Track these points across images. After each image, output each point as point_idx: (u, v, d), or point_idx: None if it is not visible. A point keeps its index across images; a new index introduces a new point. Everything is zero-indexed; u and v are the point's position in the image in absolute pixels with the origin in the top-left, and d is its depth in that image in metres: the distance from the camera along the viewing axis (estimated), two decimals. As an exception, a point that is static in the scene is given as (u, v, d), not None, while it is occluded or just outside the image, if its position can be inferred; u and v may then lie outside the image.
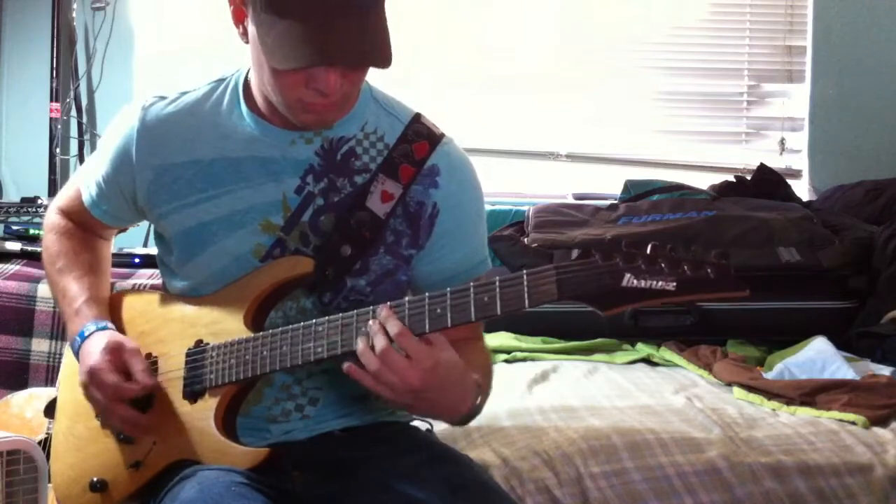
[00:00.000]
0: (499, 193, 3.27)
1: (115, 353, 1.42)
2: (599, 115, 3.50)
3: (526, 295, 1.17)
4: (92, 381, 1.41)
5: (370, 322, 1.26)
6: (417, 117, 1.50)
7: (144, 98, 1.52)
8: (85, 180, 1.58)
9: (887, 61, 3.40)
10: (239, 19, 1.35)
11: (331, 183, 1.43)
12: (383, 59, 1.28)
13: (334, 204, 1.43)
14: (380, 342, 1.23)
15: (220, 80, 1.51)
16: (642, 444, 1.71)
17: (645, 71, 3.52)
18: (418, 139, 1.46)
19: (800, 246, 2.63)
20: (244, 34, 1.36)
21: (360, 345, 1.25)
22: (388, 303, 1.27)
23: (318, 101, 1.33)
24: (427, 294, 1.25)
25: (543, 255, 2.63)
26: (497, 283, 1.20)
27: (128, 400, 1.40)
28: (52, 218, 1.64)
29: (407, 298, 1.26)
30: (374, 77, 1.49)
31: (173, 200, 1.47)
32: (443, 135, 1.49)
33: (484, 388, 1.37)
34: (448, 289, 1.23)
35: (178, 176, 1.46)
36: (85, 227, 1.62)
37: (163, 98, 1.50)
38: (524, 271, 1.18)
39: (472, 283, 1.22)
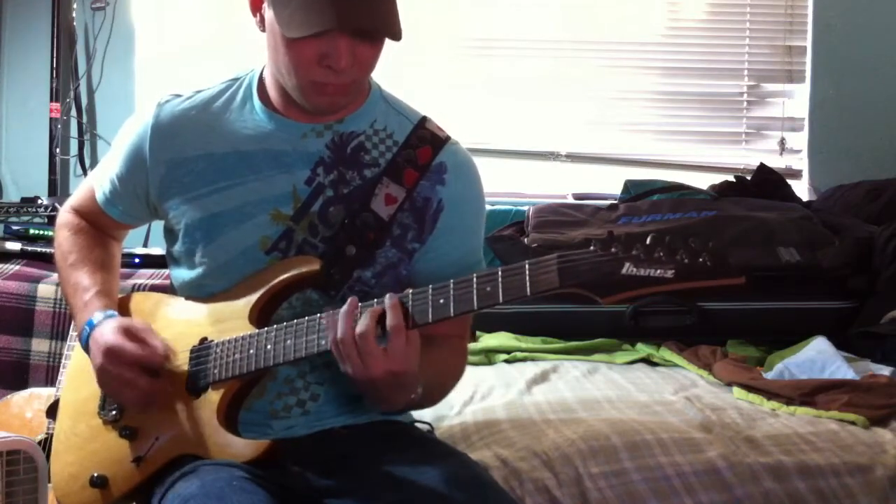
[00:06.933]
0: (499, 193, 3.27)
1: (128, 331, 1.44)
2: (599, 116, 3.50)
3: (528, 283, 1.20)
4: (111, 358, 1.42)
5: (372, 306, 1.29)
6: (424, 121, 1.54)
7: (159, 96, 1.55)
8: (99, 179, 1.61)
9: (887, 61, 3.40)
10: (256, 7, 1.41)
11: (340, 175, 1.47)
12: (395, 32, 1.34)
13: (343, 196, 1.46)
14: (364, 324, 1.26)
15: (235, 79, 1.55)
16: (642, 445, 1.71)
17: (645, 71, 3.52)
18: (422, 144, 1.50)
19: (800, 246, 2.62)
20: (261, 21, 1.42)
21: (347, 306, 1.29)
22: (394, 294, 1.29)
23: (331, 81, 1.37)
24: (430, 286, 1.27)
25: (544, 255, 2.63)
26: (499, 273, 1.22)
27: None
28: (64, 216, 1.66)
29: (410, 290, 1.29)
30: (378, 78, 1.51)
31: (185, 192, 1.49)
32: (448, 137, 1.53)
33: (434, 395, 1.44)
34: (451, 280, 1.26)
35: (191, 169, 1.49)
36: (97, 225, 1.65)
37: (178, 96, 1.54)
38: (526, 261, 1.21)
39: (474, 274, 1.25)
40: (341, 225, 1.45)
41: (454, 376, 1.52)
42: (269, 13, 1.37)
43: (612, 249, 1.15)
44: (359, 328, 1.27)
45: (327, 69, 1.35)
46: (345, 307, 1.29)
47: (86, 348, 1.48)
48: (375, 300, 1.30)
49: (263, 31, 1.41)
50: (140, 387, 1.41)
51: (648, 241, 1.15)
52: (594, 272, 1.16)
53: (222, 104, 1.52)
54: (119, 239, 1.69)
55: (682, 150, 3.52)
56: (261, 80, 1.51)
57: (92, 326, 1.47)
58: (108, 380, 1.43)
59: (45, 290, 2.55)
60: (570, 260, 1.18)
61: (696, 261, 1.13)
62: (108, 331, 1.44)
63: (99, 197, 1.60)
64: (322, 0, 1.29)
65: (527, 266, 1.20)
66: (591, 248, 1.17)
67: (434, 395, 1.49)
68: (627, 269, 1.14)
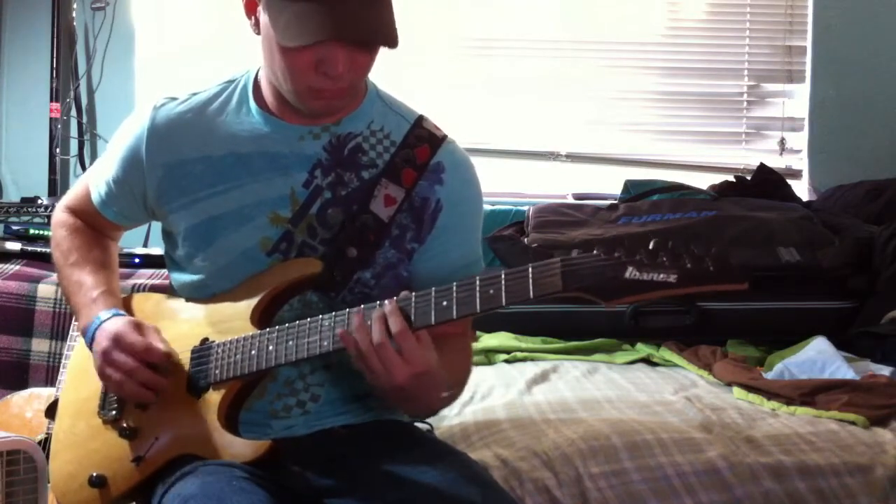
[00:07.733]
0: (499, 193, 3.27)
1: (137, 326, 1.45)
2: (599, 116, 3.50)
3: (531, 286, 1.19)
4: (116, 346, 1.42)
5: (375, 310, 1.29)
6: (421, 120, 1.54)
7: (156, 98, 1.54)
8: (94, 181, 1.61)
9: (887, 61, 3.40)
10: (251, 10, 1.40)
11: (338, 177, 1.46)
12: (391, 39, 1.34)
13: (342, 197, 1.46)
14: (377, 334, 1.26)
15: (230, 81, 1.55)
16: (642, 445, 1.71)
17: (645, 71, 3.52)
18: (420, 143, 1.50)
19: (800, 246, 2.63)
20: (256, 25, 1.41)
21: (356, 321, 1.28)
22: (395, 297, 1.29)
23: (327, 86, 1.36)
24: (433, 288, 1.27)
25: (544, 255, 2.62)
26: (502, 276, 1.22)
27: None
28: (60, 216, 1.66)
29: (413, 293, 1.29)
30: (378, 78, 1.51)
31: (183, 196, 1.49)
32: (445, 136, 1.53)
33: (454, 394, 1.42)
34: (454, 282, 1.25)
35: (188, 172, 1.49)
36: (93, 225, 1.65)
37: (174, 99, 1.54)
38: (529, 264, 1.20)
39: (477, 277, 1.24)
40: (340, 227, 1.45)
41: (462, 375, 1.50)
42: (263, 17, 1.36)
43: (616, 254, 1.15)
44: (374, 338, 1.27)
45: (323, 75, 1.35)
46: (355, 322, 1.29)
47: (91, 340, 1.48)
48: (378, 303, 1.30)
49: (258, 34, 1.40)
50: (140, 378, 1.41)
51: (652, 245, 1.15)
52: (597, 276, 1.15)
53: (218, 106, 1.51)
54: (115, 239, 1.69)
55: (682, 150, 3.52)
56: (256, 81, 1.51)
57: (101, 321, 1.48)
58: (109, 367, 1.43)
59: (45, 290, 2.55)
60: (573, 264, 1.17)
61: (699, 266, 1.13)
62: (119, 323, 1.46)
63: (94, 198, 1.60)
64: (318, 9, 1.29)
65: (530, 269, 1.20)
66: (595, 251, 1.16)
67: (458, 394, 1.49)
68: (631, 273, 1.14)
